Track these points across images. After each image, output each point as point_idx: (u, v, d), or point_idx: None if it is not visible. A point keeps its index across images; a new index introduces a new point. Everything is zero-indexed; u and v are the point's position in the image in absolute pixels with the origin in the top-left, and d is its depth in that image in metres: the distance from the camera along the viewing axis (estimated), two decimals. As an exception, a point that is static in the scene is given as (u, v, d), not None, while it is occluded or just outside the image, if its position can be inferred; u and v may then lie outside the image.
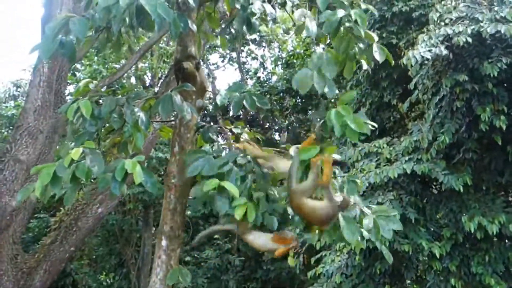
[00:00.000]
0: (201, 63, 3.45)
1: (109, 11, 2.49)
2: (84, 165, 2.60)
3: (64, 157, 2.69)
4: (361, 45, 3.05)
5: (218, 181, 2.82)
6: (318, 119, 3.05)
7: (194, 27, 3.10)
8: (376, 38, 3.15)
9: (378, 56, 3.09)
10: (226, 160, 3.03)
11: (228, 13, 3.51)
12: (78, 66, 15.72)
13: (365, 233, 3.13)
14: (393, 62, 3.51)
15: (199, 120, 3.47)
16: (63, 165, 2.48)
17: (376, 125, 2.92)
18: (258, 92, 12.11)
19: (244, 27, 3.08)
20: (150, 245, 15.39)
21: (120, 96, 3.00)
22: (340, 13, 2.89)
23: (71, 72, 14.60)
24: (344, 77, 3.49)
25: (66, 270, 14.16)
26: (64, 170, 2.48)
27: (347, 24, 3.01)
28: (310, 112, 17.46)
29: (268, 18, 3.14)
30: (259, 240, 3.19)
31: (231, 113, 18.18)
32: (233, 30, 3.32)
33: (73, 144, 3.09)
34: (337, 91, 2.96)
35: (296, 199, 2.92)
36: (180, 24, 2.82)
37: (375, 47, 3.10)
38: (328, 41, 3.51)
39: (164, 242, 3.22)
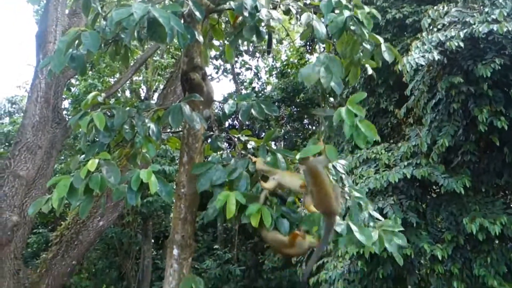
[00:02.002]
0: (207, 73, 3.49)
1: (120, 24, 2.53)
2: (97, 177, 2.62)
3: (75, 169, 2.72)
4: (367, 47, 3.08)
5: (228, 193, 2.85)
6: (324, 117, 3.05)
7: (200, 38, 3.14)
8: (382, 40, 3.19)
9: (387, 56, 3.11)
10: (234, 167, 3.07)
11: (232, 24, 3.54)
12: (73, 81, 15.74)
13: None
14: (401, 61, 3.55)
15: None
16: (79, 176, 2.51)
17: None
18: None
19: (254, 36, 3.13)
20: (150, 257, 15.34)
21: (129, 108, 3.03)
22: (346, 13, 2.92)
23: (66, 87, 14.62)
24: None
25: (66, 284, 14.04)
26: (81, 181, 2.51)
27: (351, 27, 3.05)
28: (306, 120, 17.54)
29: (275, 24, 3.16)
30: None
31: (226, 124, 18.23)
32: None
33: (82, 156, 3.12)
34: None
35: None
36: (187, 35, 2.87)
37: (383, 47, 3.13)
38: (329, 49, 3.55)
39: (175, 251, 3.24)
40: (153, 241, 16.66)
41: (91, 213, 8.51)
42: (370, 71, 3.32)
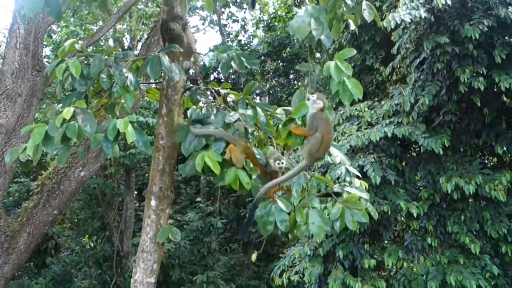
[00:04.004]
0: (188, 24, 3.41)
1: (96, -32, 2.44)
2: (74, 125, 2.59)
3: (52, 117, 2.68)
4: (349, 2, 3.03)
5: (203, 154, 2.86)
6: (308, 72, 3.05)
7: (181, -14, 3.05)
8: (365, -4, 3.15)
9: (367, 15, 3.08)
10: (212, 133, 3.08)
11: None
12: (54, 27, 15.30)
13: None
14: (380, 23, 3.52)
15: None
16: (54, 124, 2.47)
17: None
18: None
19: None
20: (133, 209, 15.49)
21: (107, 57, 2.96)
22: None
23: (47, 33, 14.21)
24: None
25: (48, 233, 14.20)
26: (56, 129, 2.47)
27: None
28: (291, 76, 17.42)
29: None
30: None
31: (211, 77, 18.09)
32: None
33: (60, 105, 3.07)
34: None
35: None
36: (167, -18, 2.79)
37: (364, 5, 3.09)
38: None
39: (153, 202, 3.27)
40: (136, 193, 16.77)
41: (72, 164, 8.48)
42: (352, 27, 3.28)
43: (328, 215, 3.15)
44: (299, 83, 17.63)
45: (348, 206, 3.12)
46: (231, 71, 16.38)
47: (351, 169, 3.60)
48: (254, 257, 3.63)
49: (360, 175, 3.70)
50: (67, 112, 2.49)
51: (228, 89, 3.59)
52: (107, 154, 2.57)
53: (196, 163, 2.86)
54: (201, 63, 3.38)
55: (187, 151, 3.06)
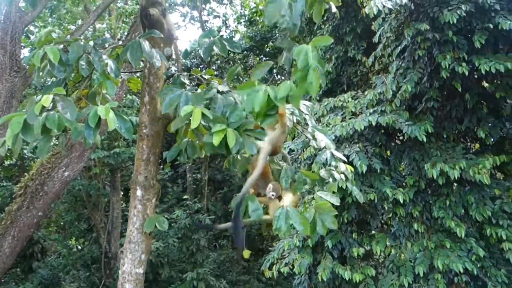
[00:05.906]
0: (167, 10, 3.37)
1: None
2: (54, 115, 2.51)
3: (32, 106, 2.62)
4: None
5: (193, 107, 2.65)
6: (286, 48, 3.01)
7: (159, -28, 3.01)
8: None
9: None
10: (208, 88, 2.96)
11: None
12: (32, 28, 15.07)
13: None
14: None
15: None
16: (33, 112, 2.41)
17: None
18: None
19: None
20: (119, 209, 15.34)
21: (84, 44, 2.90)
22: None
23: (25, 34, 13.99)
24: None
25: (34, 238, 14.01)
26: (35, 117, 2.41)
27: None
28: (274, 70, 17.40)
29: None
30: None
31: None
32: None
33: (39, 96, 3.01)
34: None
35: None
36: (145, -32, 2.75)
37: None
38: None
39: (139, 192, 3.23)
40: (122, 193, 16.61)
41: (55, 164, 8.38)
42: (334, 9, 3.27)
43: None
44: (283, 78, 17.63)
45: (320, 211, 3.08)
46: (214, 67, 16.30)
47: (336, 153, 3.61)
48: (246, 254, 3.58)
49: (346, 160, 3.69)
50: (46, 99, 2.43)
51: (212, 76, 3.55)
52: (89, 142, 2.52)
53: (184, 109, 2.64)
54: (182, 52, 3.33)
55: (168, 106, 2.88)
